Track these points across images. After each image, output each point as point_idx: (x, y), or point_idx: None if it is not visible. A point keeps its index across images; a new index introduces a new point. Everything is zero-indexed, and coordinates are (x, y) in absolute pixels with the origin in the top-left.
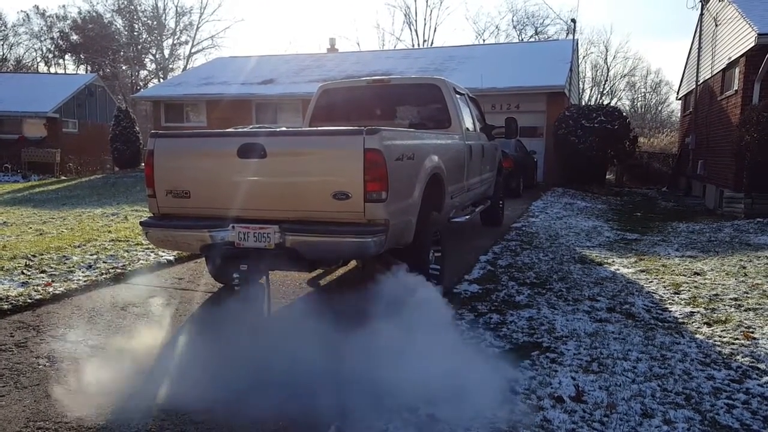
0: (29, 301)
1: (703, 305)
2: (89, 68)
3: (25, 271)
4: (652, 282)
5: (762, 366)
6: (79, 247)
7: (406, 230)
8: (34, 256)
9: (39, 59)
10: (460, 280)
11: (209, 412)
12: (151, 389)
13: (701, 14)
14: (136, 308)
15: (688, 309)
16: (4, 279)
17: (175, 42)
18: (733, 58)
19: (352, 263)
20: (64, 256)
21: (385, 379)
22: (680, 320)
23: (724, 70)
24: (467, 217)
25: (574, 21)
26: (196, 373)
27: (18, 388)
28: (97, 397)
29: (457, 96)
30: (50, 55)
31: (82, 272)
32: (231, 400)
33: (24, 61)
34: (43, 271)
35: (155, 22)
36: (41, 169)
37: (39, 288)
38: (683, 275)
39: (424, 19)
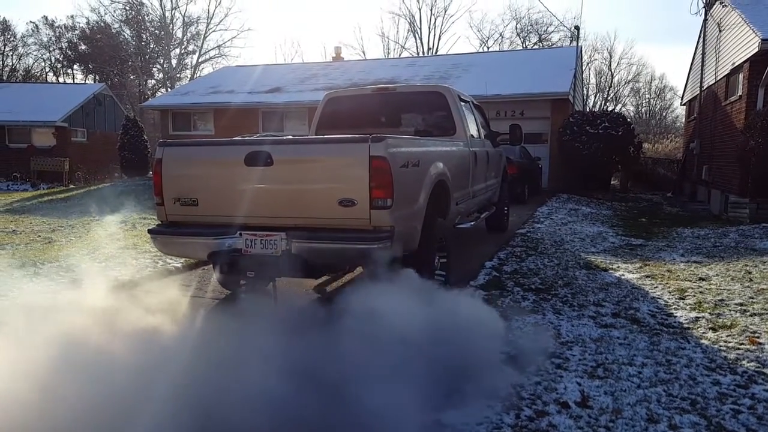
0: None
1: (708, 310)
2: (97, 78)
3: (34, 278)
4: (657, 287)
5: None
6: (87, 255)
7: (411, 236)
8: (42, 263)
9: (48, 69)
10: (466, 287)
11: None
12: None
13: (705, 20)
14: (142, 316)
15: (694, 314)
16: (13, 287)
17: (182, 51)
18: (737, 64)
19: (359, 269)
20: (73, 263)
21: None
22: (685, 325)
23: (728, 76)
24: (472, 223)
25: (577, 28)
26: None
27: None
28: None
29: (462, 103)
30: (59, 65)
31: (91, 280)
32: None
33: (33, 71)
34: (51, 279)
35: (163, 32)
36: (50, 177)
37: (48, 296)
38: (688, 280)
39: (429, 27)
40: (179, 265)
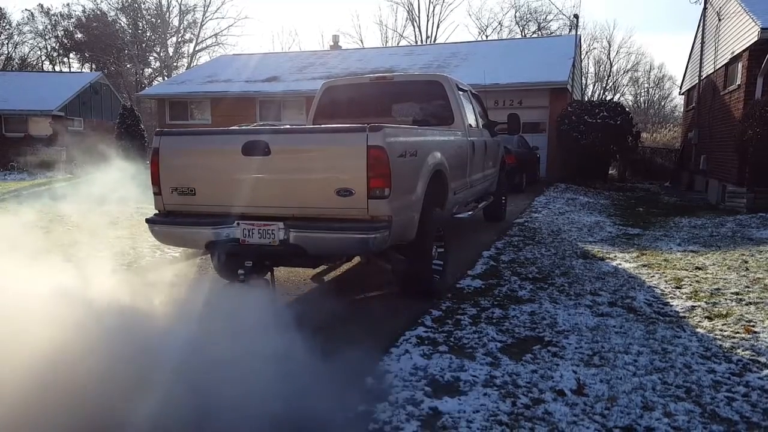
0: None
1: (704, 299)
2: (94, 66)
3: None
4: (653, 276)
5: (762, 359)
6: (85, 243)
7: (409, 226)
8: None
9: (44, 58)
10: (463, 276)
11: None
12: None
13: (704, 9)
14: (140, 305)
15: (690, 303)
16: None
17: (179, 40)
18: (736, 53)
19: (356, 259)
20: (71, 253)
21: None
22: (681, 314)
23: (727, 65)
24: (470, 212)
25: (576, 16)
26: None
27: None
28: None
29: (460, 92)
30: (55, 54)
31: (88, 269)
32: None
33: (29, 60)
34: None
35: (159, 21)
36: (47, 166)
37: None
38: (685, 270)
39: (427, 16)
40: (177, 254)
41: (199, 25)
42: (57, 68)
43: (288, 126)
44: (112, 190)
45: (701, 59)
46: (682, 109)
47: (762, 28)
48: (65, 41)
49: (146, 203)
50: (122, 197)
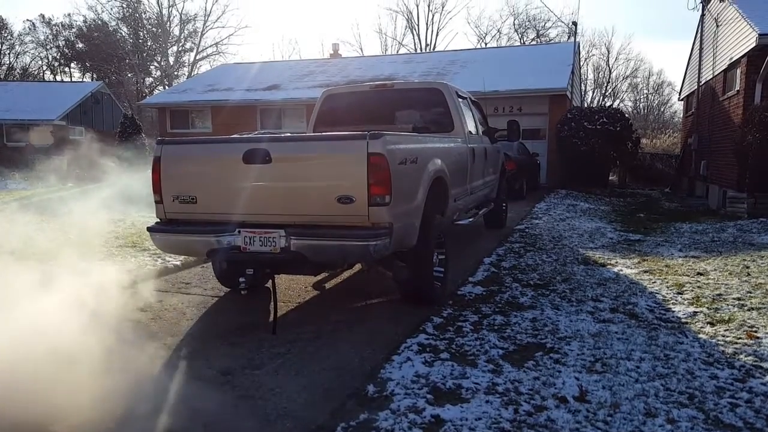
0: None
1: (706, 305)
2: (95, 76)
3: None
4: (655, 282)
5: (765, 365)
6: (86, 253)
7: (409, 233)
8: (41, 262)
9: (45, 67)
10: (464, 282)
11: None
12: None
13: (702, 15)
14: (141, 313)
15: (692, 309)
16: None
17: (179, 49)
18: (734, 59)
19: (357, 266)
20: (72, 262)
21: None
22: (683, 320)
23: (725, 71)
24: (471, 219)
25: (575, 23)
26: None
27: None
28: None
29: (460, 100)
30: (56, 64)
31: (89, 278)
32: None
33: (30, 70)
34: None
35: (160, 30)
36: (48, 176)
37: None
38: (686, 275)
39: (426, 24)
40: (178, 262)
41: (199, 34)
42: (58, 78)
43: (289, 134)
44: (112, 198)
45: (700, 65)
46: (681, 115)
47: (760, 34)
48: (66, 51)
49: (146, 211)
50: (122, 206)
